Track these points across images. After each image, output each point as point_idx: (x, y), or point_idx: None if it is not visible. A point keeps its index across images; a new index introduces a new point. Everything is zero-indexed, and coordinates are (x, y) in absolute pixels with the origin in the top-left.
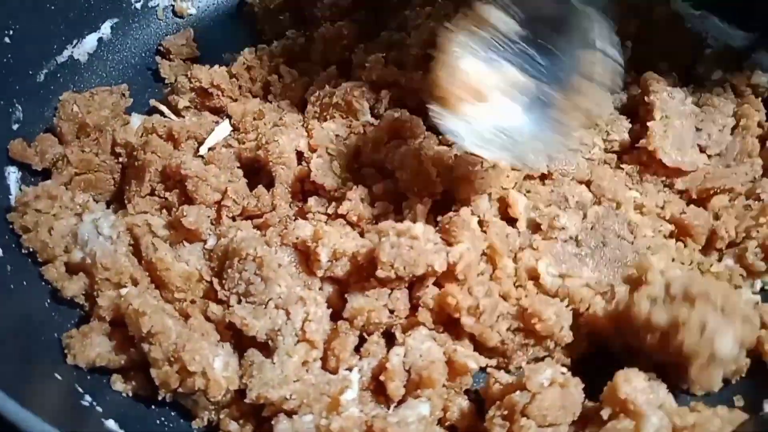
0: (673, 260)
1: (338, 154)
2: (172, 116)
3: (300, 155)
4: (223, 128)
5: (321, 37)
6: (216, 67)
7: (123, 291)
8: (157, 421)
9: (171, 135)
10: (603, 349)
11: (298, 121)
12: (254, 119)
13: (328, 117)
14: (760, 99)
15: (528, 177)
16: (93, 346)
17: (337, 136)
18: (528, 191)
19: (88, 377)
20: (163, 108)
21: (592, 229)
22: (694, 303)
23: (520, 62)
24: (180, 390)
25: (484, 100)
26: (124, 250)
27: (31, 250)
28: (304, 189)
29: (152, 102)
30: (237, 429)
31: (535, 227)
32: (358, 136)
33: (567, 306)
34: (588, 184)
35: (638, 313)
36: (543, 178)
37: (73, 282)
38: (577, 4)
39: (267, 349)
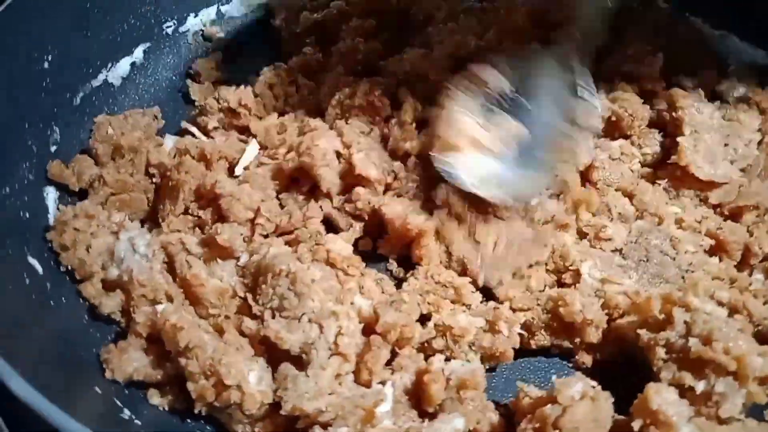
0: (713, 279)
1: (371, 148)
2: (202, 137)
3: (338, 155)
4: (253, 148)
5: (338, 51)
6: (242, 87)
7: (159, 307)
8: None
9: (203, 155)
10: (629, 361)
11: (325, 124)
12: (278, 133)
13: (349, 118)
14: None
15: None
16: (130, 360)
17: (362, 132)
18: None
19: (126, 391)
20: (194, 129)
21: (635, 242)
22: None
23: (512, 111)
24: (216, 403)
25: (480, 147)
26: (159, 268)
27: (69, 268)
28: (347, 187)
29: (183, 124)
30: None
31: (581, 235)
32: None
33: (601, 308)
34: (630, 197)
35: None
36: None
37: (110, 298)
38: (558, 60)
39: (300, 363)
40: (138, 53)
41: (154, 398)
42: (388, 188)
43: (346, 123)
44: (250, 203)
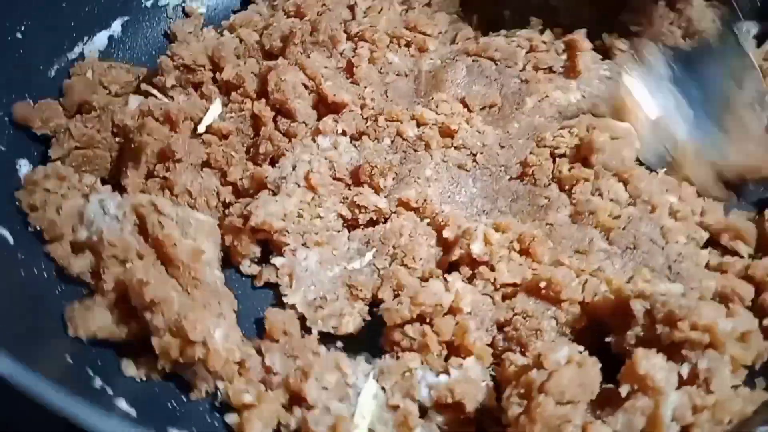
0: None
1: (335, 76)
2: (163, 97)
3: (306, 88)
4: (216, 106)
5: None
6: (194, 43)
7: (128, 266)
8: (169, 405)
9: (168, 117)
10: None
11: (285, 61)
12: (237, 86)
13: (310, 54)
14: None
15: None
16: (94, 318)
17: (326, 67)
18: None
19: (99, 362)
20: (154, 90)
21: (623, 229)
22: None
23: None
24: (180, 360)
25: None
26: (130, 229)
27: (38, 228)
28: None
29: (143, 86)
30: (250, 399)
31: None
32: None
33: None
34: (626, 183)
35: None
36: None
37: (79, 259)
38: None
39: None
40: (116, 26)
41: (129, 369)
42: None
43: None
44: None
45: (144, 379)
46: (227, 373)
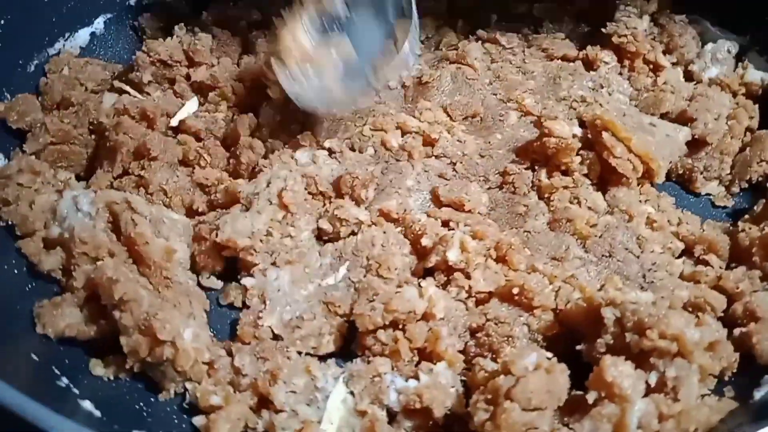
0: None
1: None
2: (138, 95)
3: None
4: (192, 104)
5: None
6: (169, 39)
7: (99, 263)
8: (136, 406)
9: (144, 114)
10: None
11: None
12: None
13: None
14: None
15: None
16: (63, 316)
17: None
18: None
19: (66, 360)
20: (127, 87)
21: (600, 237)
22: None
23: (346, 31)
24: (149, 359)
25: (310, 61)
26: (103, 226)
27: (9, 222)
28: None
29: (116, 83)
30: (218, 401)
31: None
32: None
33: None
34: (604, 192)
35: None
36: (564, 173)
37: (50, 256)
38: None
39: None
40: (98, 24)
41: (97, 369)
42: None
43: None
44: None
45: (112, 378)
46: (196, 373)
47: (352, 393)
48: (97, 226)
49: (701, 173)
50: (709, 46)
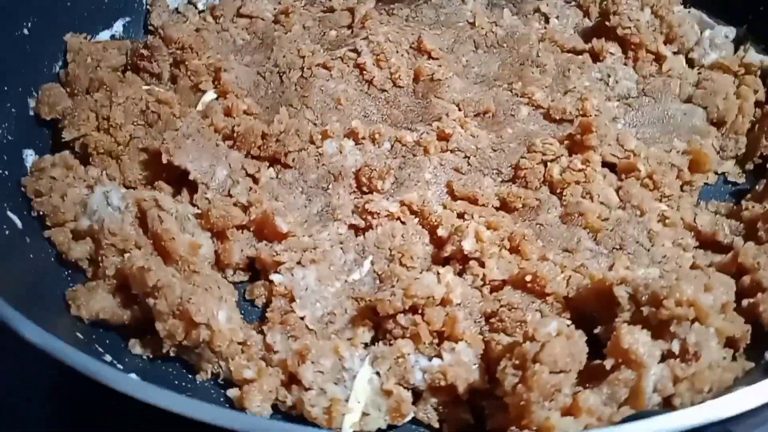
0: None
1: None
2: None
3: None
4: (209, 95)
5: None
6: (182, 25)
7: (127, 255)
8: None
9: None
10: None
11: None
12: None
13: None
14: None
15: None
16: (97, 300)
17: None
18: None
19: (107, 341)
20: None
21: (611, 230)
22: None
23: None
24: (185, 342)
25: None
26: (131, 221)
27: (41, 213)
28: None
29: (144, 88)
30: (251, 374)
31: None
32: None
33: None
34: (618, 189)
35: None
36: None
37: (78, 245)
38: None
39: None
40: (118, 26)
41: (136, 347)
42: None
43: None
44: None
45: (150, 356)
46: (231, 353)
47: (378, 373)
48: (125, 220)
49: (717, 153)
50: (707, 32)
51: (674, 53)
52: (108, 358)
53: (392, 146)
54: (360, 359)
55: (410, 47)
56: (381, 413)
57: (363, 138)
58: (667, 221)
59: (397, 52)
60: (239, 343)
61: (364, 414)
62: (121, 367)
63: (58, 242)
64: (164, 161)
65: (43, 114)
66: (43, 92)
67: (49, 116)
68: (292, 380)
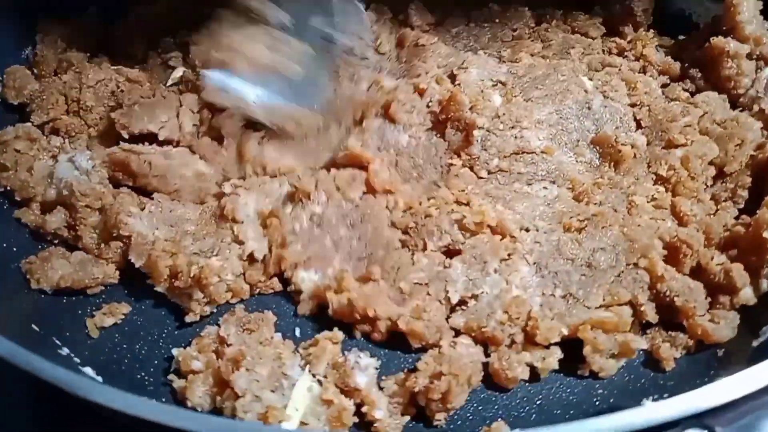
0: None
1: None
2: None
3: None
4: (178, 71)
5: None
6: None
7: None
8: (137, 376)
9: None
10: None
11: None
12: None
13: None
14: None
15: None
16: (54, 268)
17: None
18: None
19: (67, 333)
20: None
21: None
22: None
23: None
24: (176, 284)
25: (263, 66)
26: (98, 180)
27: (8, 188)
28: None
29: (112, 68)
30: (199, 366)
31: None
32: None
33: None
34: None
35: None
36: None
37: (52, 216)
38: None
39: None
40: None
41: (97, 325)
42: None
43: None
44: None
45: (119, 322)
46: (219, 294)
47: (319, 382)
48: (92, 180)
49: None
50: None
51: None
52: (65, 351)
53: None
54: (300, 367)
55: None
56: (320, 422)
57: None
58: (655, 202)
59: None
60: (229, 290)
61: (302, 423)
62: (78, 360)
63: (29, 221)
64: (126, 136)
65: (10, 98)
66: (8, 75)
67: (17, 100)
68: (225, 385)
